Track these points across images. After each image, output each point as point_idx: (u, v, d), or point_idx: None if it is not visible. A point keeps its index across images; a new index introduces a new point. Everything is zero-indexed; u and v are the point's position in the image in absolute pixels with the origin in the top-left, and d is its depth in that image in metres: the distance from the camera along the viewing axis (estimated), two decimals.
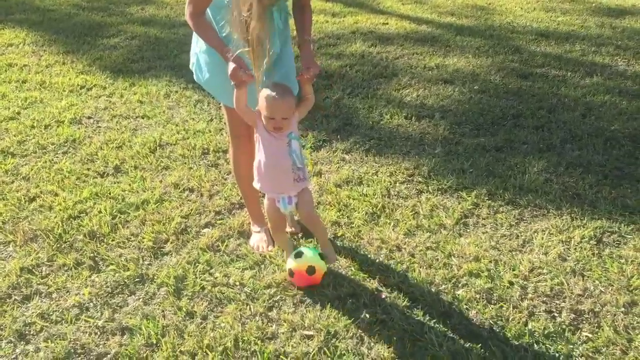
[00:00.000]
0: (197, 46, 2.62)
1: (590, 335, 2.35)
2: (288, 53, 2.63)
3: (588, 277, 2.69)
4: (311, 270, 2.54)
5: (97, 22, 7.05)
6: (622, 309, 2.48)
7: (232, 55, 2.29)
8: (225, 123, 2.67)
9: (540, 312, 2.47)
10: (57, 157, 3.82)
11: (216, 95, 2.61)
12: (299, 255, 2.58)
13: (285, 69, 2.59)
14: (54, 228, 3.02)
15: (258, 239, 2.91)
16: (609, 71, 5.25)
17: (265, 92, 2.37)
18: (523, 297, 2.56)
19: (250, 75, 2.31)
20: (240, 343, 2.31)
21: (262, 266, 2.75)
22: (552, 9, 7.45)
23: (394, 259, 2.80)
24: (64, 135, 4.07)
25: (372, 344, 2.31)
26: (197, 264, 2.77)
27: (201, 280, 2.66)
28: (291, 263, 2.59)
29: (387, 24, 6.89)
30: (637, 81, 5.01)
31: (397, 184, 3.46)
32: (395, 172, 3.58)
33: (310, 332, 2.36)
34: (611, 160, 3.69)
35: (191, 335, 2.35)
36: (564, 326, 2.39)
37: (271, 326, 2.41)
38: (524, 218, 3.14)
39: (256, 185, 2.56)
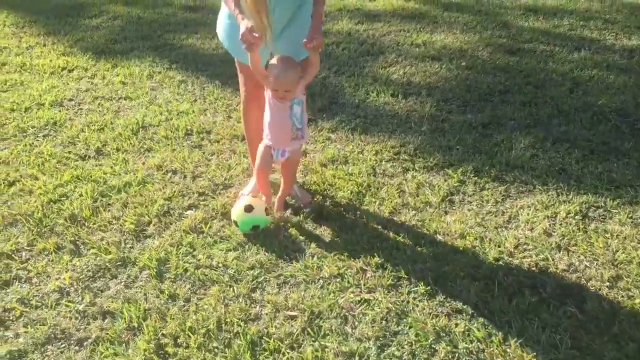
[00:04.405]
0: (223, 10, 2.77)
1: (574, 310, 2.34)
2: (301, 18, 2.66)
3: (573, 252, 2.68)
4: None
5: (78, 2, 6.91)
6: (607, 284, 2.48)
7: (242, 19, 2.42)
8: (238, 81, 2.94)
9: (525, 288, 2.46)
10: (37, 140, 3.75)
11: (232, 52, 2.80)
12: (249, 209, 2.78)
13: (293, 37, 2.65)
14: (34, 212, 2.97)
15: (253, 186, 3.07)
16: (596, 45, 5.21)
17: (272, 64, 2.58)
18: (508, 273, 2.54)
19: (259, 38, 2.40)
20: (223, 325, 2.29)
21: (246, 247, 2.72)
22: None
23: (379, 237, 2.78)
24: (44, 118, 4.00)
25: (356, 323, 2.29)
26: (180, 246, 2.73)
27: (184, 262, 2.63)
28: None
29: (374, 0, 6.79)
30: (625, 55, 4.98)
31: (383, 163, 3.42)
32: (381, 150, 3.55)
33: (294, 313, 2.34)
34: (598, 135, 3.66)
35: (173, 318, 2.32)
36: (548, 302, 2.38)
37: (254, 307, 2.38)
38: (510, 194, 3.11)
39: (264, 135, 2.79)
